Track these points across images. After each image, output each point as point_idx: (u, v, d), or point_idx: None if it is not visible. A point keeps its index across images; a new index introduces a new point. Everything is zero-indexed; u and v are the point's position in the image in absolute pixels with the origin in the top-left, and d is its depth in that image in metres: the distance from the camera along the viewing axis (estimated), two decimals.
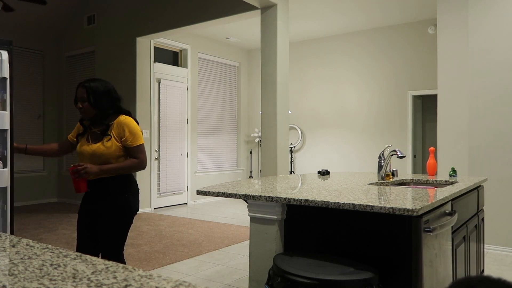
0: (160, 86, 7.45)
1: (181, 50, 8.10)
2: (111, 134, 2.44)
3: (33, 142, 7.91)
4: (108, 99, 2.48)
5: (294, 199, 1.99)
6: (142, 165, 2.50)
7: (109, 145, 2.42)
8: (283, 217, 2.14)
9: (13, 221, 2.56)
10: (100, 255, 2.51)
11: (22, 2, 6.27)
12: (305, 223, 2.09)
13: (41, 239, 5.05)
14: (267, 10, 5.40)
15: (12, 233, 2.62)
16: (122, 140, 2.44)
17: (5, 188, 2.52)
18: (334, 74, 8.16)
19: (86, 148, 2.46)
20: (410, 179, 3.17)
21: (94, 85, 2.46)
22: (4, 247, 1.06)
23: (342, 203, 1.85)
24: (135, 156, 2.48)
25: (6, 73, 2.56)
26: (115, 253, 2.48)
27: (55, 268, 0.88)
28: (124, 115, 2.50)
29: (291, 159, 8.53)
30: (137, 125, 2.52)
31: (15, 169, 7.98)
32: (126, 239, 2.56)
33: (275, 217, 2.10)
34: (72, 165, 2.39)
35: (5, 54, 2.58)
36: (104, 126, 2.46)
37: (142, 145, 2.50)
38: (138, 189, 2.64)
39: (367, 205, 1.79)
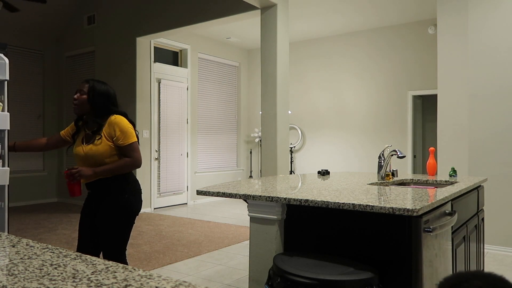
0: (160, 86, 7.45)
1: (181, 50, 8.11)
2: (102, 134, 2.42)
3: None
4: (105, 100, 2.48)
5: (294, 199, 1.99)
6: (136, 164, 2.46)
7: (99, 144, 2.40)
8: (283, 217, 2.13)
9: (9, 219, 2.58)
10: (102, 255, 2.51)
11: (23, 2, 6.27)
12: (305, 223, 2.09)
13: (41, 239, 5.05)
14: (267, 10, 5.40)
15: (8, 231, 2.65)
16: (114, 139, 2.41)
17: (4, 186, 2.53)
18: (334, 74, 8.16)
19: (79, 150, 2.47)
20: (410, 179, 3.17)
21: (97, 84, 2.51)
22: (4, 247, 1.06)
23: (342, 203, 1.85)
24: (128, 155, 2.45)
25: (6, 76, 2.62)
26: (116, 254, 2.47)
27: (55, 268, 0.88)
28: (115, 115, 2.47)
29: (291, 159, 8.53)
30: (128, 123, 2.47)
31: (15, 169, 7.98)
32: (128, 240, 2.54)
33: (275, 217, 2.10)
34: (66, 169, 2.39)
35: (5, 58, 2.62)
36: (96, 126, 2.46)
37: (134, 143, 2.46)
38: (140, 189, 2.60)
39: (367, 205, 1.79)
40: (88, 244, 2.52)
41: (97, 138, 2.42)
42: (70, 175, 2.35)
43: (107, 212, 2.45)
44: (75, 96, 2.47)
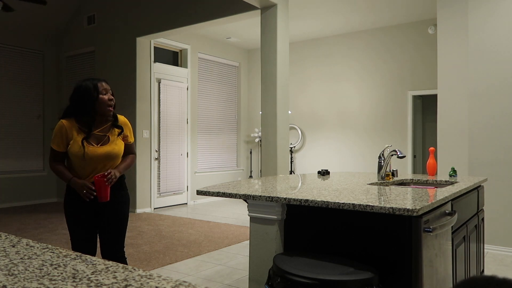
0: (160, 86, 7.45)
1: (181, 50, 8.10)
2: (117, 132, 2.53)
3: (33, 142, 7.92)
4: None
5: (294, 199, 1.99)
6: (135, 159, 2.71)
7: (119, 142, 2.51)
8: (283, 217, 2.13)
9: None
10: (101, 253, 2.53)
11: (23, 2, 6.27)
12: (305, 223, 2.09)
13: (41, 239, 5.05)
14: (267, 10, 5.40)
15: None
16: (124, 138, 2.57)
17: None
18: (334, 74, 8.16)
19: (97, 151, 2.41)
20: (410, 179, 3.17)
21: None
22: (4, 247, 1.06)
23: (342, 203, 1.85)
24: (132, 151, 2.66)
25: None
26: (121, 248, 2.57)
27: (55, 268, 0.88)
28: (118, 114, 2.58)
29: (291, 159, 8.53)
30: None
31: (15, 169, 7.89)
32: None
33: (275, 217, 2.10)
34: (99, 175, 2.35)
35: None
36: (108, 125, 2.49)
37: None
38: None
39: (367, 205, 1.79)
40: (86, 244, 2.51)
41: (117, 137, 2.51)
42: (108, 179, 2.36)
43: (116, 209, 2.51)
44: (111, 97, 2.44)
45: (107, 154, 2.43)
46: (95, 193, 2.37)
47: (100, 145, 2.43)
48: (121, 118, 2.56)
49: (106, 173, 2.37)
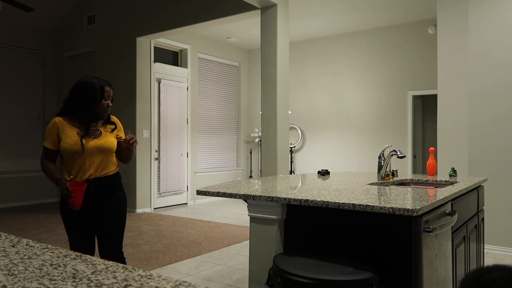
0: (160, 86, 7.45)
1: (181, 50, 8.10)
2: (110, 129, 2.56)
3: (33, 142, 7.92)
4: None
5: (294, 199, 1.99)
6: (135, 152, 2.80)
7: (112, 137, 2.53)
8: (283, 217, 2.13)
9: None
10: (99, 252, 2.53)
11: (24, 1, 6.27)
12: (305, 223, 2.09)
13: (41, 239, 5.05)
14: (267, 10, 5.40)
15: None
16: (118, 136, 2.60)
17: None
18: (334, 74, 8.16)
19: (89, 143, 2.42)
20: (410, 179, 3.17)
21: None
22: (4, 247, 1.06)
23: (342, 203, 1.85)
24: None
25: None
26: (120, 248, 2.57)
27: (55, 268, 0.88)
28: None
29: (291, 159, 8.53)
30: None
31: (15, 169, 7.90)
32: None
33: (275, 217, 2.10)
34: (75, 181, 2.32)
35: None
36: (101, 121, 2.54)
37: None
38: None
39: (367, 205, 1.79)
40: (84, 244, 2.51)
41: (109, 133, 2.53)
42: (133, 143, 2.45)
43: (114, 208, 2.52)
44: (110, 104, 2.50)
45: (99, 147, 2.45)
46: (70, 199, 2.30)
47: (92, 139, 2.46)
48: (112, 118, 2.62)
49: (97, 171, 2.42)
